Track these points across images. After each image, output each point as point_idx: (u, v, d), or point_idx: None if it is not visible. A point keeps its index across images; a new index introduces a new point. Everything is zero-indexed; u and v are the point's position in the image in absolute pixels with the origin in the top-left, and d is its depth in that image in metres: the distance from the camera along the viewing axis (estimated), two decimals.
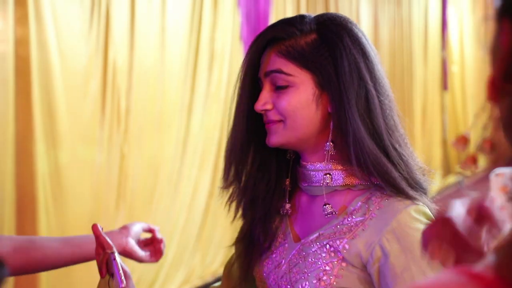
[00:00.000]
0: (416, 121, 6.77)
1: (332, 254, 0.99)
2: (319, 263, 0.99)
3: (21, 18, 2.80)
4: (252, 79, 1.05)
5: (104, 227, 3.64)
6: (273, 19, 4.49)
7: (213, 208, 3.99)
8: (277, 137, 1.02)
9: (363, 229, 0.98)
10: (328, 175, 1.02)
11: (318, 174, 1.04)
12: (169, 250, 3.74)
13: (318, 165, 1.03)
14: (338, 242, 0.99)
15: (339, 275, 0.97)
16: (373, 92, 1.00)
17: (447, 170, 7.62)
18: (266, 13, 4.38)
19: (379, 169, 0.97)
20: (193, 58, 3.87)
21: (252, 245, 1.09)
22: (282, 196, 1.10)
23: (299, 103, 1.00)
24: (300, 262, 1.02)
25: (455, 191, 7.53)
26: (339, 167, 1.02)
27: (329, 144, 1.01)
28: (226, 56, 4.11)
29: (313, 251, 1.01)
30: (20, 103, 2.81)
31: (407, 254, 0.94)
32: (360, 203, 1.00)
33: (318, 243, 1.01)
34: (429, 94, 7.18)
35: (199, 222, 3.95)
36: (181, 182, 3.81)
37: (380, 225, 0.97)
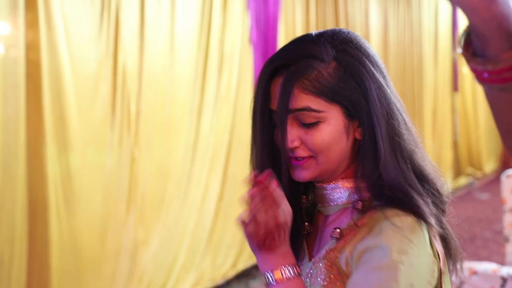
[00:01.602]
0: (426, 123, 6.75)
1: (329, 269, 0.98)
2: (319, 279, 0.99)
3: (32, 22, 2.82)
4: (267, 110, 1.00)
5: (115, 231, 3.68)
6: (282, 22, 4.49)
7: (223, 211, 4.00)
8: (309, 173, 1.00)
9: (354, 235, 0.96)
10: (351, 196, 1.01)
11: (333, 193, 1.03)
12: (180, 253, 3.75)
13: (333, 185, 1.02)
14: (332, 254, 0.98)
15: None
16: (396, 109, 0.99)
17: (457, 171, 7.58)
18: (275, 16, 4.38)
19: (401, 191, 0.96)
20: (203, 61, 3.89)
21: None
22: (300, 216, 1.09)
23: (332, 138, 0.97)
24: (309, 281, 1.01)
25: (466, 193, 7.45)
26: (351, 185, 1.01)
27: (359, 172, 1.00)
28: (236, 59, 4.12)
29: (318, 269, 1.00)
30: (31, 107, 2.84)
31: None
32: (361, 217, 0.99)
33: (323, 260, 1.00)
34: (440, 96, 7.15)
35: (209, 225, 3.96)
36: (191, 185, 3.82)
37: (365, 231, 0.95)
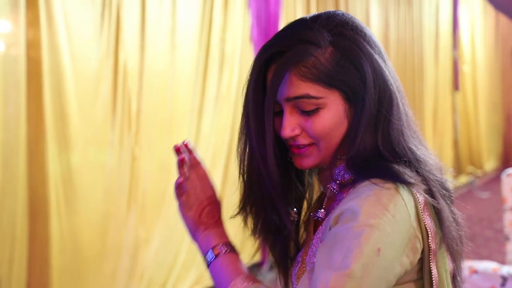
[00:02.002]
0: (427, 121, 6.75)
1: (318, 245, 0.98)
2: (314, 256, 0.99)
3: (33, 21, 2.82)
4: (261, 98, 0.98)
5: (115, 229, 3.67)
6: (283, 20, 4.49)
7: (224, 209, 4.00)
8: (312, 160, 0.99)
9: (336, 206, 0.95)
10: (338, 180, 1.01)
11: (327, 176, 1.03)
12: (181, 251, 3.75)
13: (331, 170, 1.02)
14: (320, 229, 0.99)
15: None
16: (396, 92, 0.98)
17: (458, 170, 7.59)
18: (276, 14, 4.38)
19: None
20: (204, 59, 3.88)
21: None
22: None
23: (333, 124, 0.95)
24: (305, 257, 1.02)
25: (466, 191, 7.46)
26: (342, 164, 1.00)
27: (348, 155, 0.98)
28: (237, 57, 4.11)
29: (313, 244, 1.00)
30: (32, 106, 2.84)
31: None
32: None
33: (313, 238, 1.01)
34: (440, 94, 7.15)
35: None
36: None
37: (347, 200, 0.93)
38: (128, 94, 3.33)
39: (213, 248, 1.06)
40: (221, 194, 4.36)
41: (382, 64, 0.97)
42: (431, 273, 0.92)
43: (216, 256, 1.05)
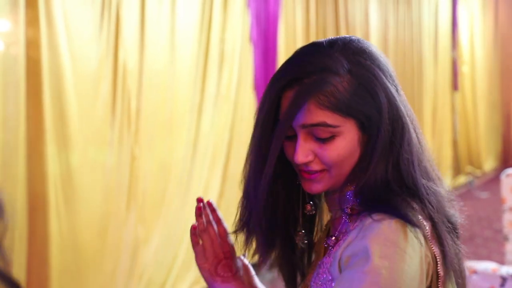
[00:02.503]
0: (426, 122, 6.75)
1: (324, 276, 0.98)
2: (319, 284, 0.99)
3: (32, 20, 2.82)
4: (274, 121, 0.98)
5: (115, 229, 3.66)
6: (282, 20, 4.49)
7: (223, 209, 3.98)
8: (322, 186, 0.99)
9: (344, 240, 0.96)
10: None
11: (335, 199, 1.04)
12: (180, 251, 3.75)
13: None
14: (327, 260, 0.99)
15: None
16: (408, 122, 0.98)
17: (457, 170, 7.59)
18: (275, 14, 4.38)
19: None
20: (203, 59, 3.88)
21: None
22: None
23: (347, 152, 0.96)
24: (313, 283, 1.02)
25: (465, 191, 7.46)
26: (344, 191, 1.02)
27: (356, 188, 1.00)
28: (236, 57, 4.11)
29: (319, 272, 1.01)
30: (31, 105, 2.84)
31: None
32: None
33: (320, 268, 1.02)
34: (440, 95, 7.16)
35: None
36: (192, 183, 3.82)
37: (355, 233, 0.94)
38: (128, 94, 3.33)
39: None
40: (221, 193, 4.34)
41: (396, 94, 0.98)
42: None
43: None
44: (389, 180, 0.96)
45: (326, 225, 1.11)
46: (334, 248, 0.99)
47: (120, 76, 3.27)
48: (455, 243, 1.00)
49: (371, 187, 0.95)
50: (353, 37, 1.00)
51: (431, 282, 0.93)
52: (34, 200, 2.86)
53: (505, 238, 3.50)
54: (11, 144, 2.75)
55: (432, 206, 0.97)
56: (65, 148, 2.99)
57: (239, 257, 1.14)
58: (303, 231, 1.07)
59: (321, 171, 0.98)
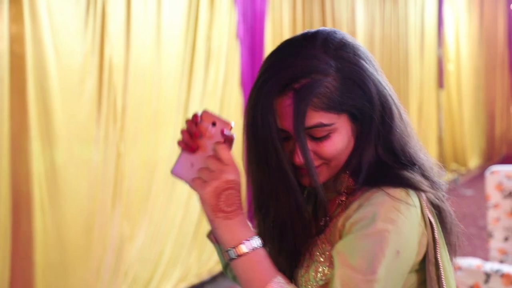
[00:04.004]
0: (412, 119, 6.69)
1: (323, 246, 1.03)
2: (317, 255, 1.03)
3: (16, 15, 2.79)
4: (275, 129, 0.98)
5: (100, 226, 3.62)
6: (269, 17, 4.48)
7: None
8: (322, 178, 1.02)
9: (344, 210, 1.01)
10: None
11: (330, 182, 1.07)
12: (166, 248, 3.74)
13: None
14: (327, 231, 1.03)
15: (332, 265, 1.00)
16: (393, 103, 1.03)
17: (442, 167, 7.64)
18: (262, 11, 4.37)
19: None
20: (190, 56, 3.87)
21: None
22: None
23: (343, 145, 1.00)
24: (308, 256, 1.06)
25: (450, 189, 7.48)
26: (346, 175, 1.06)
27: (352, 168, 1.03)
28: (223, 54, 4.10)
29: (315, 245, 1.05)
30: (15, 101, 2.81)
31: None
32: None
33: (318, 239, 1.05)
34: (425, 92, 7.20)
35: (196, 220, 3.95)
36: (178, 181, 3.80)
37: (356, 205, 0.99)
38: (114, 90, 3.31)
39: (237, 246, 0.96)
40: None
41: (379, 78, 1.01)
42: (437, 264, 1.00)
43: (241, 255, 0.96)
44: (381, 158, 1.01)
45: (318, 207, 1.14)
46: (328, 227, 1.03)
47: (106, 72, 3.25)
48: (449, 208, 1.08)
49: (366, 166, 1.00)
50: (329, 30, 1.02)
51: (427, 247, 0.99)
52: (18, 197, 2.83)
53: (489, 235, 3.53)
54: None
55: (428, 174, 1.04)
56: (49, 145, 2.96)
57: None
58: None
59: (320, 165, 1.01)
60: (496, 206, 3.48)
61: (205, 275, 4.00)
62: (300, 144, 0.96)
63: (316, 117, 0.96)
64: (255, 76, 4.39)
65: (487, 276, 2.53)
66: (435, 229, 0.99)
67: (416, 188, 0.98)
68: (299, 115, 0.95)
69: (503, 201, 3.45)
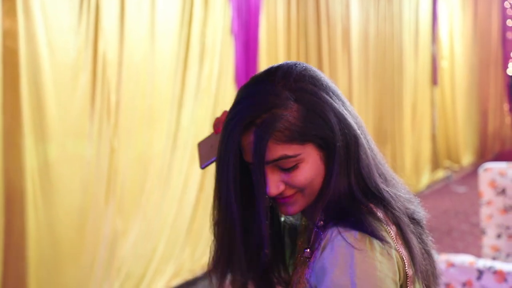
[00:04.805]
0: (406, 116, 6.79)
1: (303, 285, 1.04)
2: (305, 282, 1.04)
3: (9, 10, 2.77)
4: (238, 163, 1.03)
5: (93, 222, 3.61)
6: (264, 13, 4.48)
7: (203, 202, 3.99)
8: (298, 207, 1.05)
9: (318, 250, 1.01)
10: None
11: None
12: (159, 244, 3.74)
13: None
14: (306, 271, 1.05)
15: None
16: (358, 132, 1.04)
17: (436, 164, 7.66)
18: (257, 7, 4.37)
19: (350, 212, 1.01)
20: (184, 52, 3.86)
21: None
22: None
23: (313, 173, 1.02)
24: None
25: (443, 186, 7.52)
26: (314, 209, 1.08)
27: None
28: (217, 50, 4.09)
29: (298, 281, 1.07)
30: (8, 97, 2.79)
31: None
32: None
33: (303, 270, 1.07)
34: (419, 89, 7.21)
35: (189, 216, 3.95)
36: (171, 176, 3.80)
37: (324, 243, 0.99)
38: (107, 86, 3.30)
39: None
40: (201, 186, 4.30)
41: (342, 108, 1.03)
42: None
43: None
44: (353, 190, 1.01)
45: (303, 237, 1.17)
46: (311, 259, 1.04)
47: (100, 67, 3.24)
48: (422, 241, 1.06)
49: (336, 199, 1.01)
50: (291, 63, 1.05)
51: (401, 282, 0.97)
52: (11, 193, 2.82)
53: (482, 232, 3.54)
54: None
55: (396, 209, 1.03)
56: (42, 140, 2.95)
57: None
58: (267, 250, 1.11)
59: (295, 193, 1.04)
60: (489, 203, 3.49)
61: (198, 271, 4.00)
62: (259, 176, 1.00)
63: (279, 150, 0.99)
64: (249, 72, 4.38)
65: (480, 273, 2.54)
66: (406, 263, 0.98)
67: (380, 239, 0.96)
68: (260, 150, 0.98)
69: (496, 198, 3.46)
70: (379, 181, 1.04)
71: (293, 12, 4.89)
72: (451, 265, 2.62)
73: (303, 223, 1.18)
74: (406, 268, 0.98)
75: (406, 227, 1.02)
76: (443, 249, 4.56)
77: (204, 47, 3.99)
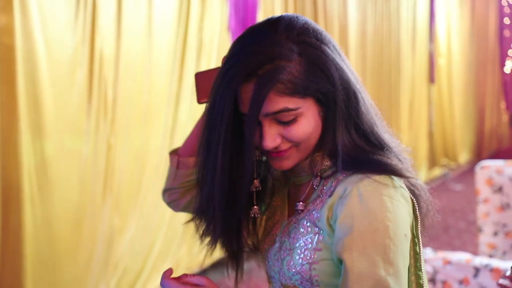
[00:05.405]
0: (403, 114, 6.80)
1: (309, 229, 1.04)
2: (300, 239, 1.04)
3: (6, 6, 2.76)
4: (233, 114, 1.01)
5: (90, 218, 3.61)
6: (261, 9, 4.47)
7: None
8: (292, 161, 1.05)
9: (329, 196, 1.02)
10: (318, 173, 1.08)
11: (302, 164, 1.09)
12: (156, 241, 3.73)
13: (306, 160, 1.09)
14: (314, 213, 1.04)
15: (318, 249, 1.01)
16: (358, 87, 1.04)
17: (433, 162, 7.67)
18: (254, 3, 4.36)
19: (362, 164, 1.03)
20: (181, 48, 3.85)
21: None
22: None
23: (311, 128, 1.02)
24: (286, 239, 1.08)
25: (440, 183, 7.53)
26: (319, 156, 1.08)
27: (324, 152, 1.06)
28: (214, 46, 4.09)
29: (295, 228, 1.07)
30: (5, 93, 2.78)
31: (349, 221, 0.97)
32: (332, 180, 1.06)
33: (299, 220, 1.07)
34: (416, 87, 7.21)
35: (186, 213, 3.94)
36: None
37: (341, 189, 1.00)
38: (104, 82, 3.29)
39: None
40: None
41: (342, 63, 1.03)
42: (417, 239, 1.02)
43: None
44: (356, 142, 1.03)
45: (284, 192, 1.17)
46: (306, 209, 1.06)
47: (97, 64, 3.23)
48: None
49: (344, 151, 1.02)
50: (292, 15, 1.04)
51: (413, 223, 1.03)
52: (7, 190, 2.81)
53: (479, 230, 3.55)
54: None
55: (399, 156, 1.07)
56: (39, 137, 2.94)
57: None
58: (256, 206, 1.13)
59: (290, 148, 1.03)
60: (485, 201, 3.50)
61: (195, 268, 4.00)
62: (250, 128, 0.99)
63: (281, 102, 0.98)
64: None
65: (477, 270, 2.55)
66: (416, 206, 1.02)
67: (399, 175, 1.01)
68: (258, 100, 0.97)
69: (492, 196, 3.47)
70: (381, 131, 1.06)
71: (290, 9, 4.88)
72: (447, 262, 2.63)
73: (283, 178, 1.18)
74: (416, 210, 1.02)
75: (413, 179, 1.06)
76: (440, 247, 4.57)
77: (201, 43, 3.98)
